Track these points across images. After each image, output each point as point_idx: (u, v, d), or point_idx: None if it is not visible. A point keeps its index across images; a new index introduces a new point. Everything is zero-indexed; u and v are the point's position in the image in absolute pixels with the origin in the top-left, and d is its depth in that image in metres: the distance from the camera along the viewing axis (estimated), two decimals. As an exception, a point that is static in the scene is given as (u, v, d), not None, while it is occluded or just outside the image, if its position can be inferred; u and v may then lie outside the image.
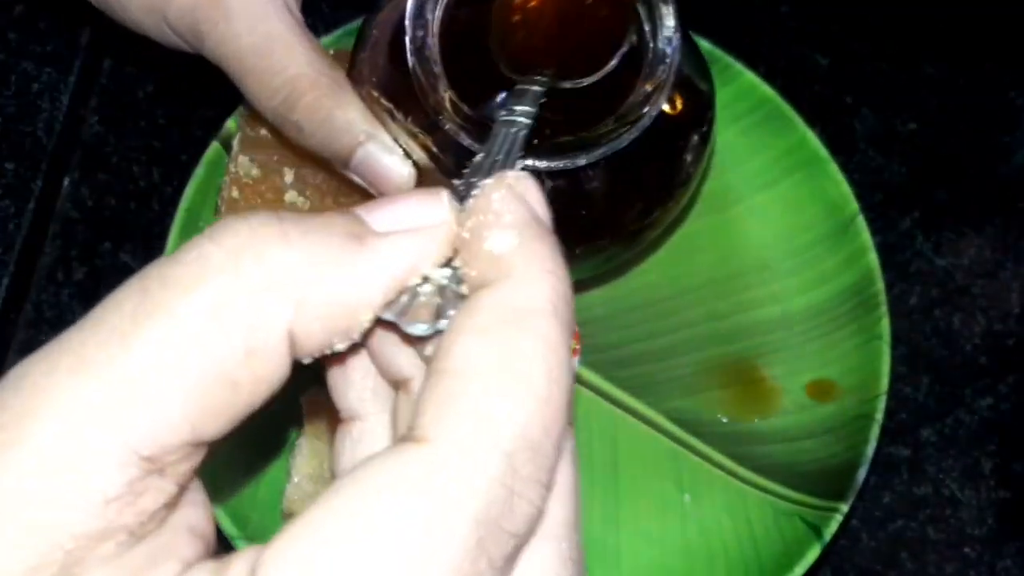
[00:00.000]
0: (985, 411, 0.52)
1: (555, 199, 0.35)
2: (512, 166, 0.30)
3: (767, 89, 0.52)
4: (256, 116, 0.47)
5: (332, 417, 0.44)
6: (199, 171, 0.48)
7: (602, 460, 0.48)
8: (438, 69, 0.38)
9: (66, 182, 0.55)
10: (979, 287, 0.54)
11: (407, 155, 0.40)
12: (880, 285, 0.49)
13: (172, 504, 0.22)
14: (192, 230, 0.47)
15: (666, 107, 0.40)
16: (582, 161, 0.38)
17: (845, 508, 0.45)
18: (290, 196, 0.47)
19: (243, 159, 0.47)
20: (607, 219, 0.42)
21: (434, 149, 0.39)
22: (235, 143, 0.47)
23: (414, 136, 0.40)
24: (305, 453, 0.43)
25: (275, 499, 0.45)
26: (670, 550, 0.47)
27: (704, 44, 0.49)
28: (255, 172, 0.47)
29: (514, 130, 0.32)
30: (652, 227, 0.44)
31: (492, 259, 0.22)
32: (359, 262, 0.22)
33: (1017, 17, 0.58)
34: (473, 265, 0.23)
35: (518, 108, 0.34)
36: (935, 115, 0.57)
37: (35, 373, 0.21)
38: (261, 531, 0.43)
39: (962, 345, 0.53)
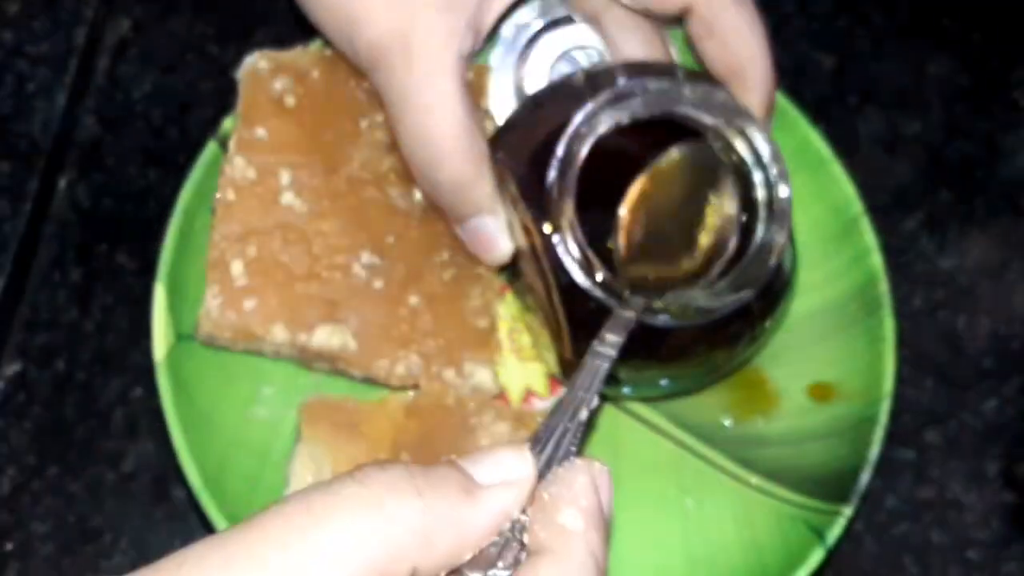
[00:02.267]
0: (990, 414, 0.51)
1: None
2: (593, 396, 0.32)
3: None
4: (253, 116, 0.47)
5: (330, 424, 0.44)
6: (196, 172, 0.47)
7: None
8: (571, 191, 0.39)
9: (62, 183, 0.54)
10: (984, 288, 0.54)
11: (512, 235, 0.44)
12: (885, 287, 0.48)
13: None
14: (189, 232, 0.47)
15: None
16: (674, 324, 0.40)
17: (849, 511, 0.45)
18: (286, 198, 0.46)
19: (239, 160, 0.46)
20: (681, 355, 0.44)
21: (536, 246, 0.41)
22: (231, 144, 0.47)
23: (525, 227, 0.42)
24: (303, 459, 0.43)
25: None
26: (672, 554, 0.46)
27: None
28: (251, 174, 0.46)
29: (600, 362, 0.34)
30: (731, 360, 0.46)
31: (560, 531, 0.28)
32: (472, 515, 0.27)
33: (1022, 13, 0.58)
34: (542, 527, 0.28)
35: (609, 338, 0.35)
36: (940, 115, 0.57)
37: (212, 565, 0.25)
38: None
39: (967, 347, 0.53)
